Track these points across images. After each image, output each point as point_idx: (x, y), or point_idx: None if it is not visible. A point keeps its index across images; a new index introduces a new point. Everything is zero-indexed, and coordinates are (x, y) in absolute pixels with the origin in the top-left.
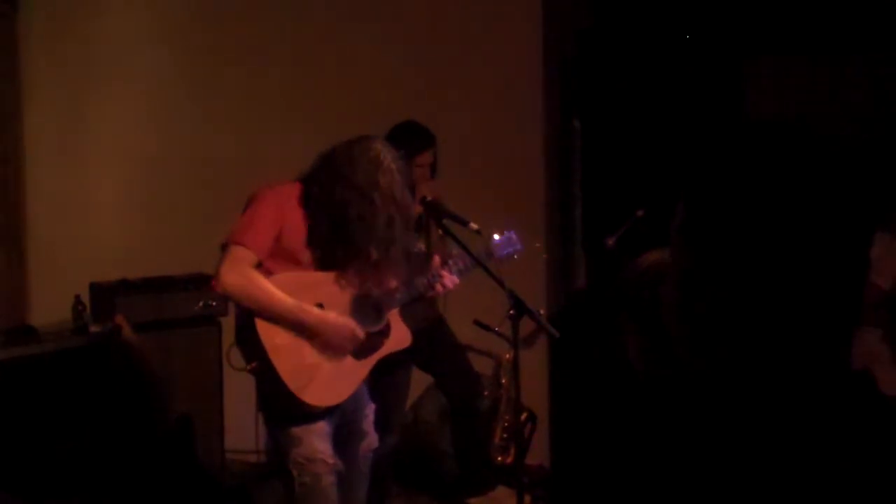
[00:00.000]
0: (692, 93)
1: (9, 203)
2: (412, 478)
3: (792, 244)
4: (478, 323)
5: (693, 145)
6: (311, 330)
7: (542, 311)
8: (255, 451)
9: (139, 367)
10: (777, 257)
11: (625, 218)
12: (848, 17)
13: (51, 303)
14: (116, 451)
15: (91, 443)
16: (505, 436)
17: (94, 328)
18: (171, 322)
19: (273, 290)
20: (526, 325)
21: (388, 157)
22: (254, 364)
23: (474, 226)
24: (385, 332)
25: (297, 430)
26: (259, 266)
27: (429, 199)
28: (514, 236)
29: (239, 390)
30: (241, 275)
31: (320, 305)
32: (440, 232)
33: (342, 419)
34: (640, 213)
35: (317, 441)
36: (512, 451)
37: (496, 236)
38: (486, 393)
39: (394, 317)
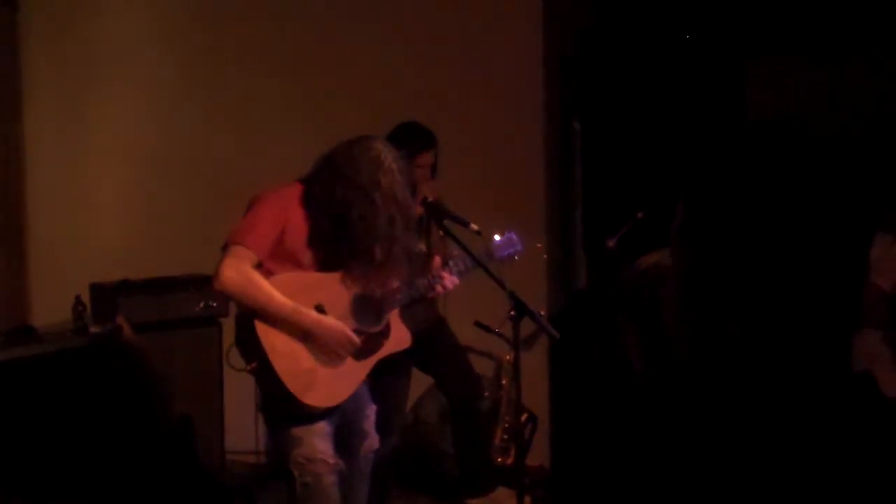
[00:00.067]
0: (692, 93)
1: (9, 203)
2: (412, 479)
3: (792, 245)
4: (478, 324)
5: (693, 146)
6: (308, 332)
7: (542, 312)
8: (256, 451)
9: (140, 367)
10: (777, 258)
11: (625, 219)
12: (848, 17)
13: (51, 303)
14: (117, 452)
15: (91, 443)
16: (505, 437)
17: (94, 329)
18: (172, 322)
19: (272, 290)
20: (526, 326)
21: (388, 156)
22: (253, 365)
23: (475, 227)
24: (385, 333)
25: (297, 431)
26: (259, 267)
27: (429, 199)
28: (514, 237)
29: (239, 391)
30: (241, 274)
31: (320, 306)
32: (441, 233)
33: (343, 420)
34: (640, 214)
35: (318, 441)
36: (512, 451)
37: (496, 237)
38: (486, 394)
39: (394, 318)
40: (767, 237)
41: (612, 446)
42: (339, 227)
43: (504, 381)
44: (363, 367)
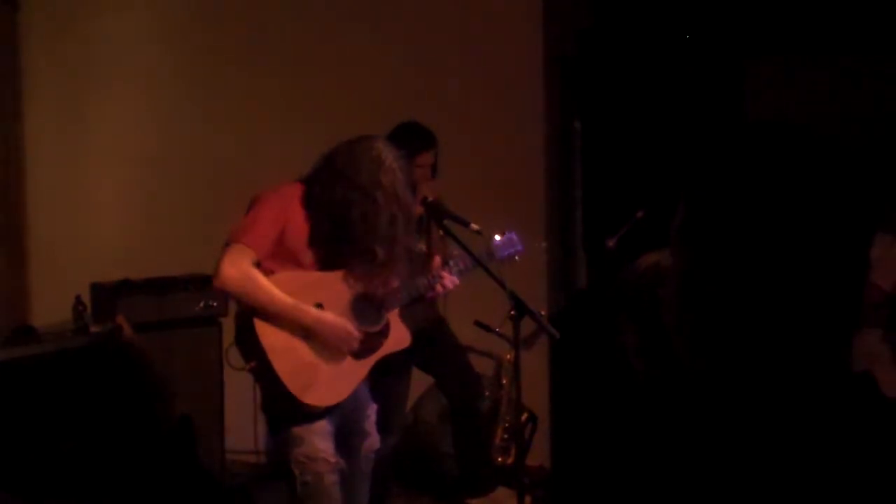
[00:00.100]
0: (692, 93)
1: (9, 203)
2: (413, 478)
3: (792, 245)
4: (478, 324)
5: (693, 146)
6: (308, 330)
7: (542, 312)
8: (256, 451)
9: (140, 367)
10: (777, 258)
11: (625, 219)
12: (848, 17)
13: (51, 303)
14: (117, 452)
15: (91, 443)
16: (505, 436)
17: (94, 328)
18: (172, 322)
19: (272, 288)
20: (527, 326)
21: (389, 156)
22: (252, 364)
23: (475, 226)
24: (384, 333)
25: (298, 430)
26: (259, 266)
27: (430, 199)
28: (514, 237)
29: (239, 391)
30: (241, 271)
31: (319, 305)
32: (441, 232)
33: (344, 419)
34: (640, 213)
35: (318, 440)
36: (512, 451)
37: (497, 237)
38: (486, 394)
39: (393, 317)
40: (767, 237)
41: (612, 446)
42: (340, 226)
43: (504, 381)
44: (362, 367)
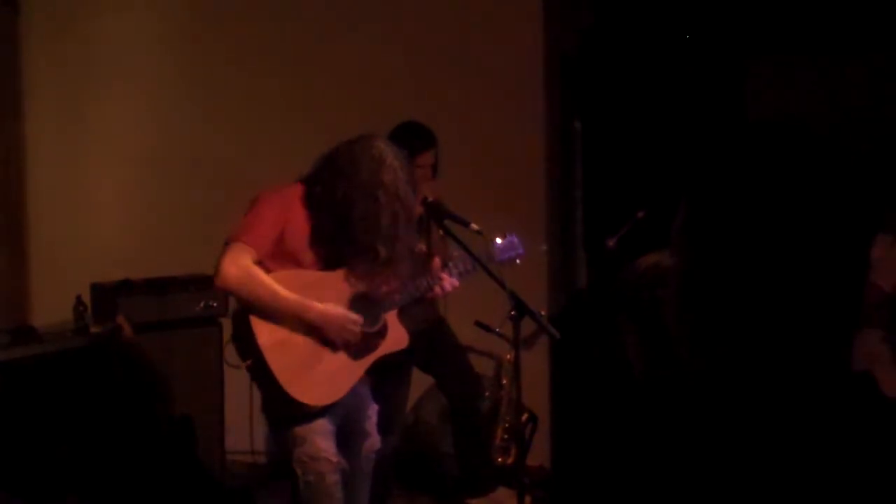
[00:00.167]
0: (693, 93)
1: (10, 203)
2: (413, 479)
3: (792, 245)
4: (479, 324)
5: (694, 146)
6: (312, 325)
7: (543, 312)
8: (257, 451)
9: (140, 367)
10: (777, 258)
11: (626, 219)
12: (848, 17)
13: (52, 303)
14: (117, 452)
15: (92, 443)
16: (506, 436)
17: (95, 329)
18: (172, 322)
19: (274, 285)
20: (527, 326)
21: (390, 154)
22: (248, 361)
23: (475, 226)
24: (382, 333)
25: (300, 430)
26: (259, 265)
27: (430, 199)
28: (515, 240)
29: (239, 391)
30: (242, 269)
31: None
32: (441, 233)
33: (345, 419)
34: (640, 213)
35: (320, 440)
36: (513, 451)
37: (498, 240)
38: (486, 394)
39: (391, 318)
40: (768, 237)
41: (612, 446)
42: (342, 226)
43: (504, 381)
44: (359, 367)
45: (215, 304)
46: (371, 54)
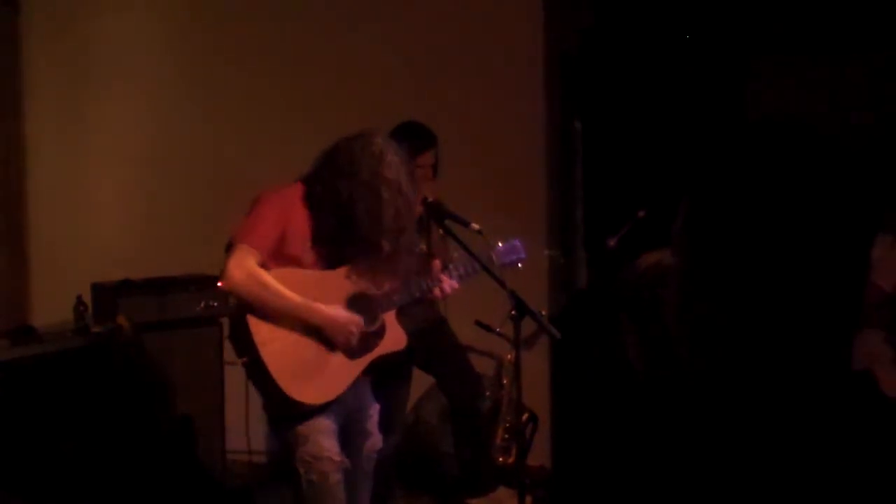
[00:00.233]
0: (693, 93)
1: (10, 203)
2: (413, 478)
3: (793, 245)
4: (479, 324)
5: (694, 146)
6: (317, 328)
7: (543, 312)
8: (257, 451)
9: (140, 367)
10: (778, 258)
11: (626, 218)
12: (848, 17)
13: (52, 303)
14: (117, 452)
15: (92, 443)
16: (506, 436)
17: (95, 329)
18: (173, 322)
19: (280, 288)
20: (527, 326)
21: (390, 150)
22: (245, 359)
23: (475, 226)
24: (379, 333)
25: (303, 429)
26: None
27: (430, 199)
28: (518, 244)
29: (240, 391)
30: (248, 272)
31: None
32: (441, 233)
33: (346, 419)
34: (641, 213)
35: (323, 439)
36: (513, 451)
37: (500, 244)
38: (487, 393)
39: (390, 318)
40: (768, 237)
41: (613, 446)
42: (344, 225)
43: (505, 381)
44: (356, 366)
45: (215, 304)
46: (371, 54)
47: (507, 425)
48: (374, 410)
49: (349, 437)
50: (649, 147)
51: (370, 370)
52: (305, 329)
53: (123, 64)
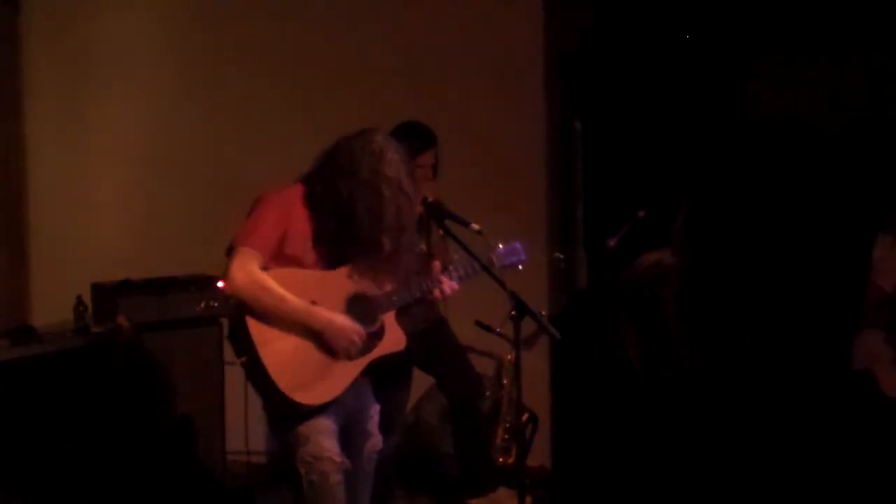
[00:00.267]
0: (693, 93)
1: (10, 203)
2: (413, 479)
3: (794, 245)
4: (479, 324)
5: (694, 146)
6: (318, 333)
7: (543, 312)
8: (257, 451)
9: (140, 367)
10: (778, 258)
11: (626, 219)
12: (848, 17)
13: (52, 303)
14: (117, 452)
15: (92, 444)
16: (506, 437)
17: (95, 329)
18: (173, 323)
19: (282, 292)
20: (527, 326)
21: (390, 148)
22: (244, 359)
23: (475, 226)
24: (378, 334)
25: (303, 429)
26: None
27: (430, 199)
28: (518, 246)
29: (240, 391)
30: (250, 276)
31: (313, 304)
32: (441, 233)
33: (347, 419)
34: (641, 213)
35: (324, 439)
36: (513, 451)
37: (500, 246)
38: (487, 394)
39: (389, 319)
40: (769, 237)
41: (613, 446)
42: (346, 223)
43: (505, 381)
44: (355, 367)
45: (216, 304)
46: (371, 54)
47: (507, 425)
48: (375, 411)
49: (350, 437)
50: (649, 147)
51: (369, 371)
52: (305, 330)
53: (123, 64)
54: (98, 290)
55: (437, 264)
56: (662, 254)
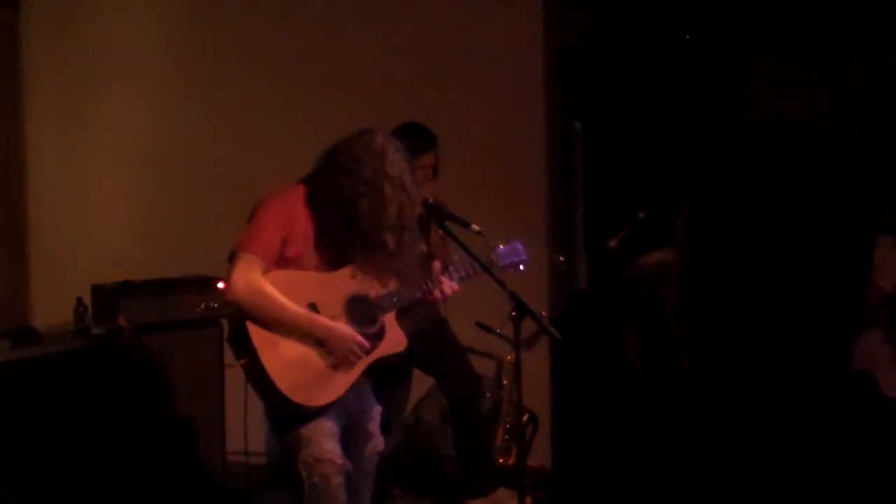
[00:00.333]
0: (693, 93)
1: (10, 204)
2: (413, 479)
3: (795, 244)
4: (479, 324)
5: (695, 145)
6: (319, 340)
7: (543, 313)
8: (257, 453)
9: (140, 369)
10: (780, 258)
11: (626, 219)
12: (848, 17)
13: (52, 304)
14: (117, 454)
15: (92, 445)
16: (506, 437)
17: (95, 330)
18: (173, 324)
19: (283, 299)
20: (528, 327)
21: (391, 147)
22: (244, 361)
23: (476, 227)
24: (379, 335)
25: (305, 431)
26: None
27: (430, 200)
28: (519, 246)
29: (240, 392)
30: (251, 284)
31: (312, 305)
32: (441, 234)
33: (349, 421)
34: (641, 214)
35: (325, 441)
36: (513, 452)
37: (501, 246)
38: (487, 394)
39: (390, 320)
40: (770, 237)
41: (613, 447)
42: (349, 223)
43: (505, 382)
44: (356, 368)
45: (216, 306)
46: (371, 54)
47: (508, 426)
48: (376, 412)
49: (351, 438)
50: (649, 147)
51: (370, 372)
52: (305, 334)
53: (123, 64)
54: (98, 291)
55: (437, 265)
56: (663, 253)
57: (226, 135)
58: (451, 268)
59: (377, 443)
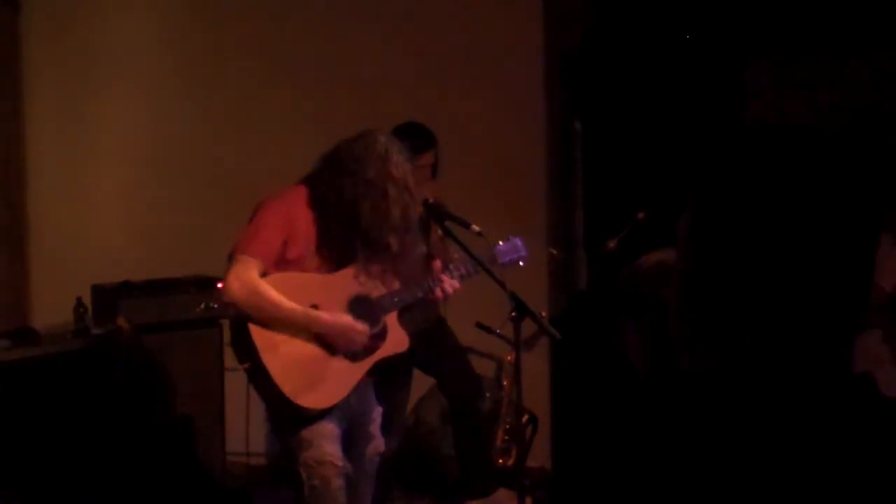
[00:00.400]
0: (693, 93)
1: (10, 204)
2: (413, 480)
3: (796, 245)
4: (479, 325)
5: (695, 146)
6: (320, 336)
7: (543, 313)
8: (256, 453)
9: (140, 369)
10: (781, 258)
11: (626, 220)
12: (848, 17)
13: (52, 305)
14: (117, 454)
15: (92, 445)
16: (506, 438)
17: (95, 330)
18: (173, 324)
19: (280, 298)
20: (527, 327)
21: (394, 148)
22: (246, 364)
23: (476, 228)
24: (381, 336)
25: (306, 433)
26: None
27: (430, 200)
28: (518, 242)
29: (240, 393)
30: (247, 285)
31: (315, 306)
32: (441, 234)
33: (350, 422)
34: (641, 215)
35: (326, 444)
36: (513, 453)
37: (500, 243)
38: (487, 395)
39: (391, 320)
40: (772, 238)
41: (613, 447)
42: (351, 225)
43: (505, 382)
44: (359, 369)
45: (216, 306)
46: (371, 54)
47: (507, 427)
48: (378, 413)
49: (352, 440)
50: (649, 148)
51: (373, 372)
52: (307, 334)
53: (123, 64)
54: (98, 291)
55: (437, 263)
56: (663, 253)
57: (226, 135)
58: (451, 266)
59: (378, 444)
